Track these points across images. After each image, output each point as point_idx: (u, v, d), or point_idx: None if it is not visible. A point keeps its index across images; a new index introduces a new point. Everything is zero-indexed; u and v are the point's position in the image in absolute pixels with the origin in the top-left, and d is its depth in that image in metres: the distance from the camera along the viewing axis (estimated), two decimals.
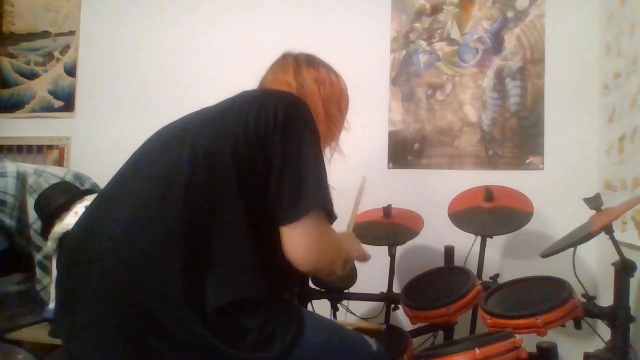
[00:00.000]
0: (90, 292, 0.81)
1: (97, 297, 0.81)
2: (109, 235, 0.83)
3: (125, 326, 0.78)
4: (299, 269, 0.86)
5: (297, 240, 0.85)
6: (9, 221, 1.67)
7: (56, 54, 2.69)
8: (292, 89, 1.08)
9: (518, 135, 2.08)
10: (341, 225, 1.17)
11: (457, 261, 1.82)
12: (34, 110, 2.70)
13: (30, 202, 1.70)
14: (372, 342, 1.01)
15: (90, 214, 0.92)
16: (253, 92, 1.03)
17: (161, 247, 0.80)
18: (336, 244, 0.99)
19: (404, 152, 2.21)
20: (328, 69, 1.17)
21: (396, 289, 1.77)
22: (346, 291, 1.69)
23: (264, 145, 0.88)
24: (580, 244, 1.33)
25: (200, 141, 0.89)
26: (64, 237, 1.41)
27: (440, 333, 1.58)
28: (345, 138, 2.18)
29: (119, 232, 0.83)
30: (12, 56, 2.76)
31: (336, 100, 1.16)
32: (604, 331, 1.40)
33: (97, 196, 0.97)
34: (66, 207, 1.49)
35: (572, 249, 1.39)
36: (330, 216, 0.92)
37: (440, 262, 1.82)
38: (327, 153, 1.20)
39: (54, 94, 2.68)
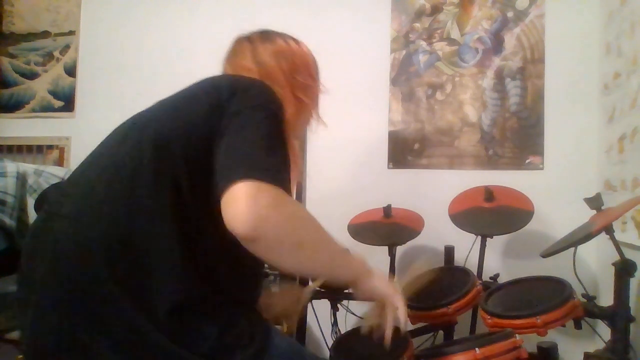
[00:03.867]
0: (36, 291, 0.79)
1: (40, 296, 0.78)
2: (55, 232, 0.80)
3: (68, 328, 0.75)
4: (242, 242, 0.75)
5: (231, 207, 0.73)
6: (9, 221, 1.67)
7: (56, 54, 2.69)
8: (252, 73, 1.01)
9: (518, 135, 2.08)
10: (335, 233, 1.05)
11: (457, 261, 1.82)
12: (34, 110, 2.70)
13: (30, 202, 1.71)
14: None
15: (44, 211, 0.89)
16: (209, 78, 0.97)
17: (104, 245, 0.76)
18: (294, 211, 0.80)
19: (404, 152, 2.21)
20: (285, 38, 1.09)
21: None
22: (346, 291, 1.69)
23: (215, 131, 0.82)
24: (581, 244, 1.33)
25: (148, 131, 0.84)
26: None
27: (440, 333, 1.58)
28: (346, 138, 2.20)
29: (64, 230, 0.80)
30: (12, 56, 2.76)
31: (304, 68, 1.07)
32: (604, 331, 1.40)
33: (54, 191, 0.95)
34: None
35: (572, 249, 1.39)
36: (277, 185, 0.76)
37: (440, 262, 1.82)
38: (309, 126, 1.12)
39: (54, 94, 2.68)
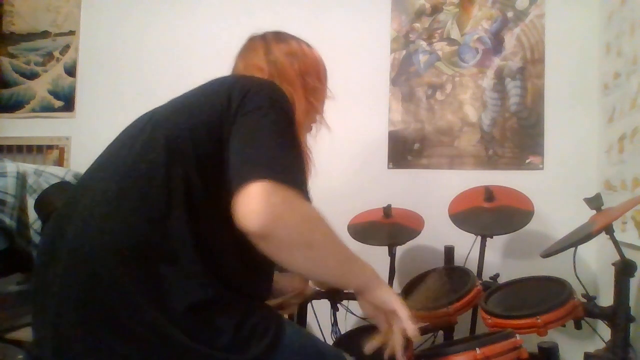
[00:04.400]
0: (52, 294, 0.79)
1: (58, 299, 0.78)
2: (70, 234, 0.81)
3: (88, 330, 0.76)
4: (253, 240, 0.75)
5: (244, 206, 0.73)
6: (9, 221, 1.67)
7: (56, 54, 2.69)
8: (263, 72, 1.03)
9: (518, 135, 2.08)
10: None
11: (457, 261, 1.82)
12: (34, 110, 2.70)
13: (30, 202, 1.70)
14: (347, 357, 0.98)
15: (59, 212, 0.89)
16: (221, 79, 0.98)
17: (118, 246, 0.77)
18: (306, 212, 0.80)
19: (404, 152, 2.21)
20: (299, 41, 1.12)
21: (396, 289, 1.77)
22: (346, 291, 1.70)
23: (226, 132, 0.84)
24: (581, 244, 1.33)
25: (160, 133, 0.85)
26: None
27: (440, 333, 1.58)
28: (346, 138, 2.20)
29: (78, 231, 0.80)
30: (12, 56, 2.76)
31: (314, 71, 1.10)
32: (604, 331, 1.40)
33: (67, 193, 0.95)
34: None
35: (572, 249, 1.39)
36: (291, 185, 0.77)
37: (440, 262, 1.82)
38: (313, 128, 1.15)
39: (54, 94, 2.67)
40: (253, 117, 0.85)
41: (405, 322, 0.92)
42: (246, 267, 0.86)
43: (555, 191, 2.00)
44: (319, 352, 0.93)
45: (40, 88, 2.70)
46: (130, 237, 0.78)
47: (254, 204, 0.73)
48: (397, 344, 0.93)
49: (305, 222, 0.80)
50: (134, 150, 0.85)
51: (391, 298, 0.94)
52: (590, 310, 1.34)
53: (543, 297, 1.32)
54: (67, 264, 0.79)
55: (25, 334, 1.55)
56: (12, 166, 1.76)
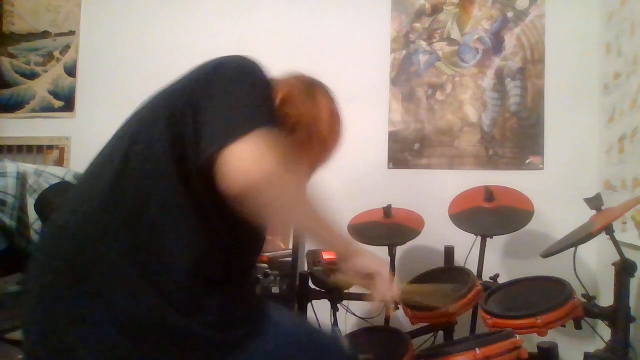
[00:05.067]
0: (34, 283, 0.82)
1: (45, 281, 0.81)
2: (59, 215, 0.86)
3: (76, 303, 0.78)
4: (230, 191, 0.78)
5: (220, 173, 0.77)
6: (9, 221, 1.67)
7: (56, 54, 2.69)
8: (291, 88, 1.00)
9: (518, 135, 2.08)
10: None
11: (457, 261, 1.82)
12: (34, 110, 2.70)
13: (30, 202, 1.70)
14: (342, 340, 0.99)
15: (54, 214, 0.93)
16: (199, 65, 0.97)
17: (105, 225, 0.80)
18: (271, 166, 0.79)
19: (404, 152, 2.21)
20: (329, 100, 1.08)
21: None
22: (346, 291, 1.69)
23: (198, 101, 0.85)
24: (581, 244, 1.33)
25: (146, 128, 0.88)
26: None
27: (440, 333, 1.58)
28: (346, 138, 2.19)
29: (65, 219, 0.85)
30: (12, 56, 2.76)
31: (329, 129, 1.05)
32: (604, 331, 1.41)
33: (66, 194, 0.99)
34: None
35: (572, 249, 1.39)
36: (257, 127, 0.79)
37: (440, 262, 1.82)
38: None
39: (54, 94, 2.68)
40: (218, 90, 0.86)
41: (385, 283, 1.01)
42: (235, 246, 0.88)
43: (555, 191, 2.00)
44: (310, 337, 0.93)
45: (40, 88, 2.70)
46: (121, 214, 0.80)
47: (227, 169, 0.76)
48: (385, 301, 1.01)
49: (274, 174, 0.79)
50: (121, 146, 0.87)
51: (371, 263, 1.02)
52: (590, 310, 1.34)
53: (543, 297, 1.32)
54: (54, 242, 0.82)
55: None
56: (12, 166, 1.76)
